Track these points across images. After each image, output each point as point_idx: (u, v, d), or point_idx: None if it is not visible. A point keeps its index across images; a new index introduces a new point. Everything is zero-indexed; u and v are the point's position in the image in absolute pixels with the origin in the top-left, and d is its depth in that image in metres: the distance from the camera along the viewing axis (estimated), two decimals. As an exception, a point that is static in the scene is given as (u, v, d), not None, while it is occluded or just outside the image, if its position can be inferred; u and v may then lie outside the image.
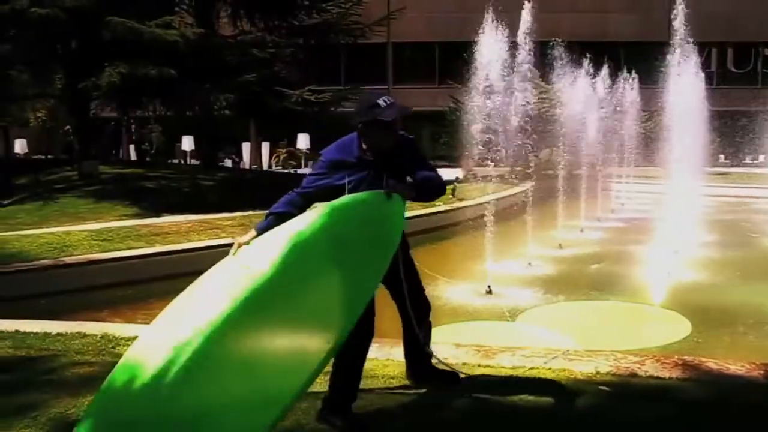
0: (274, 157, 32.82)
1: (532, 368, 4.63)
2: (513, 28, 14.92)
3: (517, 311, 7.92)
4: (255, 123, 27.76)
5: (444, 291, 8.68)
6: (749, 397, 4.25)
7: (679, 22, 13.56)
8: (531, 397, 4.20)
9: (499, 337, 6.75)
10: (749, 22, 34.59)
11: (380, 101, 3.74)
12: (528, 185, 16.86)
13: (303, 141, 29.82)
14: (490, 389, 4.36)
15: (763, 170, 18.74)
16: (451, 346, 5.15)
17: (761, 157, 24.03)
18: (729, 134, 28.08)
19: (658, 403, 4.19)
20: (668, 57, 13.70)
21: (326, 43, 21.87)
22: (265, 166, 30.82)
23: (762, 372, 4.57)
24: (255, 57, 18.29)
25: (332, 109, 20.59)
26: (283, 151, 32.69)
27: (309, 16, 20.25)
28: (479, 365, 4.77)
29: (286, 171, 27.95)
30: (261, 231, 3.70)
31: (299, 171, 25.99)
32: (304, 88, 19.07)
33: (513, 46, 13.49)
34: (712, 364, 4.78)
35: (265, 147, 32.13)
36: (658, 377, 4.50)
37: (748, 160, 26.33)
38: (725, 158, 28.64)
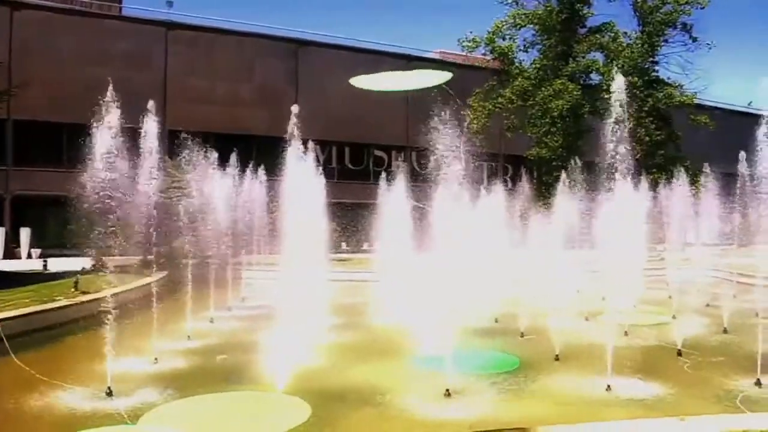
0: None
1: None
2: (145, 114, 14.69)
3: (140, 412, 7.50)
4: None
5: (58, 397, 7.90)
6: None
7: (303, 121, 14.60)
8: None
9: (116, 444, 6.30)
10: (362, 126, 39.15)
11: None
12: (159, 275, 16.43)
13: None
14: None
15: (375, 256, 20.91)
16: (53, 464, 4.62)
17: (375, 244, 26.88)
18: (349, 224, 30.95)
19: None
20: (295, 152, 14.62)
21: None
22: None
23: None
24: None
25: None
26: None
27: None
28: (84, 482, 4.34)
29: None
30: None
31: None
32: None
33: (142, 133, 13.22)
34: (321, 447, 5.02)
35: None
36: (271, 468, 4.56)
37: (365, 247, 29.21)
38: (347, 245, 31.46)
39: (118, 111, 11.94)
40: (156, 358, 9.96)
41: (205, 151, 18.70)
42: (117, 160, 11.65)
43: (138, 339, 10.65)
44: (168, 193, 19.11)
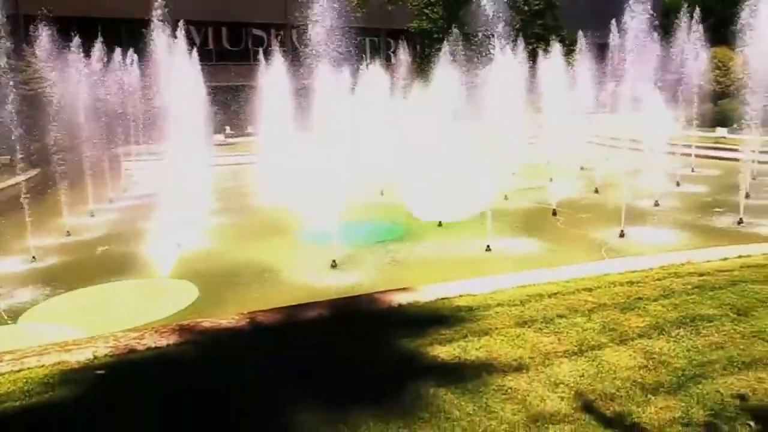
0: None
1: (22, 370, 4.27)
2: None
3: (20, 311, 7.30)
4: None
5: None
6: (234, 343, 4.71)
7: (175, 2, 13.63)
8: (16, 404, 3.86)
9: (-4, 342, 6.13)
10: (239, 5, 37.29)
11: None
12: (31, 173, 15.55)
13: None
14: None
15: (258, 138, 20.46)
16: None
17: (258, 127, 26.13)
18: (232, 107, 30.05)
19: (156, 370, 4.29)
20: (165, 35, 13.75)
21: None
22: None
23: (248, 320, 5.05)
24: None
25: None
26: None
27: None
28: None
29: None
30: None
31: None
32: None
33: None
34: (206, 323, 5.08)
35: None
36: (156, 347, 4.58)
37: (249, 130, 28.51)
38: (231, 129, 30.61)
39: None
40: (34, 257, 9.59)
41: (68, 38, 17.26)
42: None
43: (12, 239, 10.24)
44: (30, 84, 17.73)
